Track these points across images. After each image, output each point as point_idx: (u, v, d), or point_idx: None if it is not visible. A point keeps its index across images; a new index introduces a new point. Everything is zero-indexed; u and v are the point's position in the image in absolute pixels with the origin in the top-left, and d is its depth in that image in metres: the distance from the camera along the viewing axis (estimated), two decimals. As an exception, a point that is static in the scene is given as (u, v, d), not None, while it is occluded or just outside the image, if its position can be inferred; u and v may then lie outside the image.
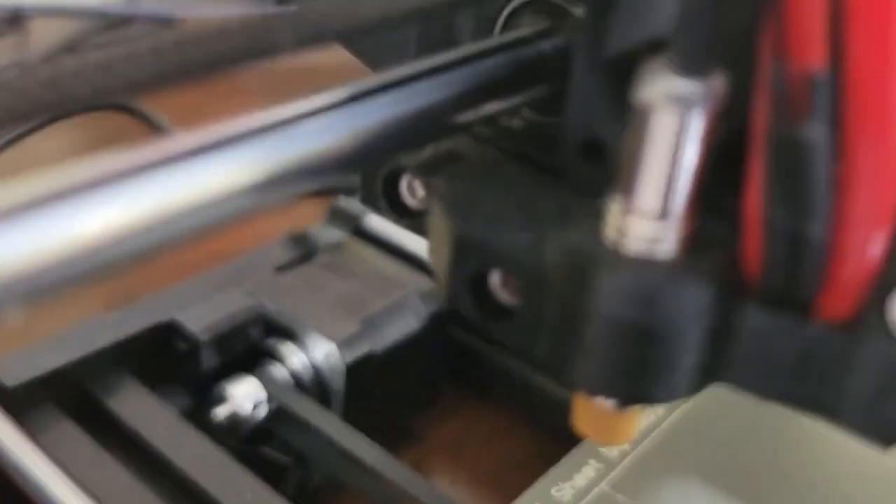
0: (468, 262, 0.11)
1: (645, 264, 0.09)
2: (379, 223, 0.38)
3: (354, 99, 0.11)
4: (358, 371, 0.30)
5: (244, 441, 0.30)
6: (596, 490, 0.23)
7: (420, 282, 0.34)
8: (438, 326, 0.34)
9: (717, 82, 0.09)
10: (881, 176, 0.08)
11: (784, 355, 0.10)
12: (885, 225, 0.09)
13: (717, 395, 0.27)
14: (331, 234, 0.38)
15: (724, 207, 0.10)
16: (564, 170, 0.11)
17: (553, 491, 0.23)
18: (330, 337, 0.30)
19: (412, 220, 0.12)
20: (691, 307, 0.09)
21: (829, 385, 0.10)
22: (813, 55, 0.08)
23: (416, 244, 0.37)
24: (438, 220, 0.11)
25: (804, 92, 0.08)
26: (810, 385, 0.10)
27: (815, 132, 0.08)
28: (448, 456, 0.33)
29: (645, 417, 0.26)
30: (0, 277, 0.09)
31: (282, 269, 0.35)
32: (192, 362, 0.31)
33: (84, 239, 0.09)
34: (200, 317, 0.31)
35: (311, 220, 0.39)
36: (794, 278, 0.09)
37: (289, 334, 0.31)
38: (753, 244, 0.09)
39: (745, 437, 0.27)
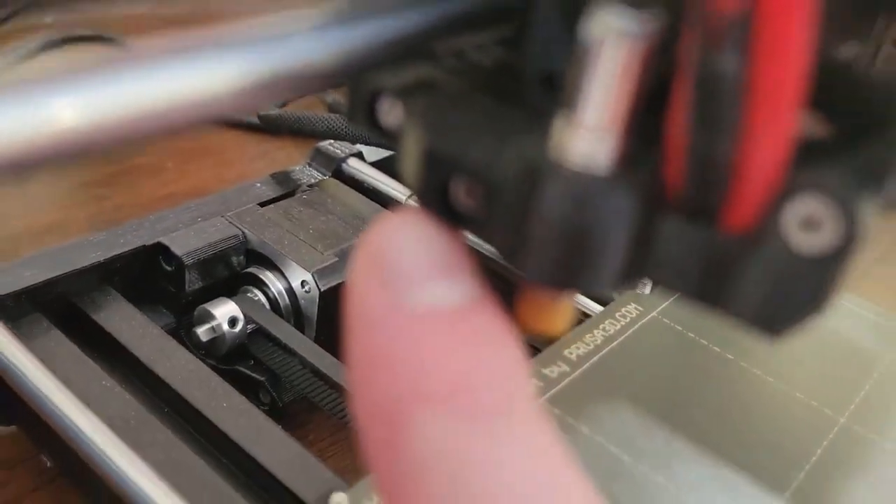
0: (437, 171, 0.12)
1: (582, 175, 0.11)
2: (357, 166, 0.40)
3: (336, 18, 0.12)
4: (331, 298, 0.32)
5: (222, 359, 0.32)
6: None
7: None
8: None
9: (657, 19, 0.11)
10: (780, 106, 0.10)
11: (695, 258, 0.11)
12: (782, 148, 0.11)
13: (653, 333, 0.30)
14: (311, 175, 0.40)
15: (653, 135, 0.11)
16: (527, 100, 0.13)
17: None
18: (307, 267, 0.32)
19: (386, 138, 0.14)
20: (619, 213, 0.11)
21: (731, 285, 0.11)
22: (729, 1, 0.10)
23: (390, 187, 0.39)
24: (412, 136, 0.13)
25: (722, 29, 0.10)
26: (716, 284, 0.11)
27: (729, 64, 0.10)
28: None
29: (583, 344, 0.28)
30: None
31: (264, 203, 0.37)
32: (176, 284, 0.33)
33: (63, 126, 0.10)
34: (186, 241, 0.33)
35: (294, 162, 0.41)
36: (706, 193, 0.11)
37: (268, 263, 0.33)
38: (675, 164, 0.11)
39: (676, 370, 0.29)
